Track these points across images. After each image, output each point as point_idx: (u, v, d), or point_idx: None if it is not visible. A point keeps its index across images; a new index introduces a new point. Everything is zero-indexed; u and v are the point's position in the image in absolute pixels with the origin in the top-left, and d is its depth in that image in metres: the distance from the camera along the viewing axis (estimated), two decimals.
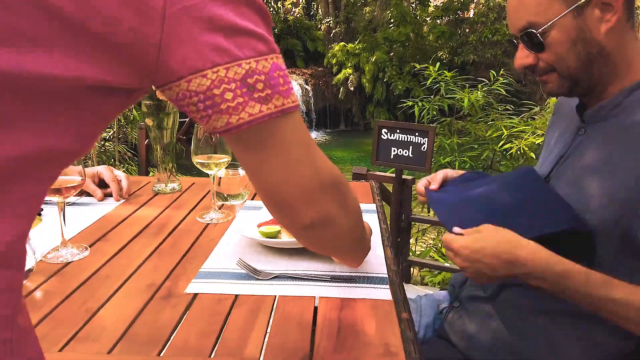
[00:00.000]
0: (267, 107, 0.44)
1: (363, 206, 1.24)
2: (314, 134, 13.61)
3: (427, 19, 14.47)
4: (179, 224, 1.13)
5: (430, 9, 14.94)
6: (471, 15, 14.72)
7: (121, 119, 3.10)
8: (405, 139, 3.18)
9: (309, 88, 13.99)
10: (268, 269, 0.88)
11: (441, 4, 14.72)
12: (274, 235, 0.97)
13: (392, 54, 13.62)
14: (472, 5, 14.94)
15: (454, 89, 4.38)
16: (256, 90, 0.43)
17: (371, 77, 13.67)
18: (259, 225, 1.03)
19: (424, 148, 3.15)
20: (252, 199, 1.32)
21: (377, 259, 0.93)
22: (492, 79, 4.45)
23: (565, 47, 0.84)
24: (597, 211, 0.82)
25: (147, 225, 1.12)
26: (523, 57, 0.89)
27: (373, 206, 1.25)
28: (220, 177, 1.18)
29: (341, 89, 13.83)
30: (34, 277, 0.84)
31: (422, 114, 4.17)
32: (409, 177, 2.99)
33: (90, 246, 0.99)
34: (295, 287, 0.82)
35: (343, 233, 0.57)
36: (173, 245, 1.01)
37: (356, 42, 14.18)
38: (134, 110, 3.35)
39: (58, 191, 0.91)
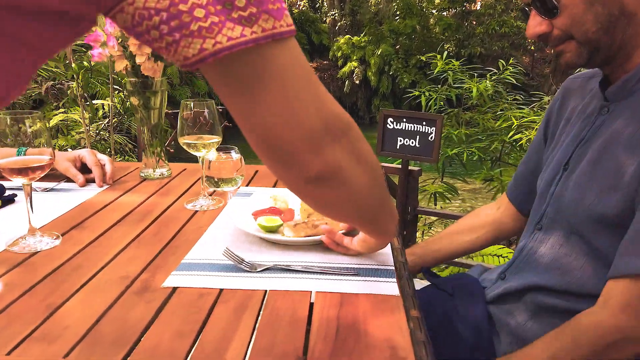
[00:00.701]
0: (251, 31, 0.34)
1: None
2: None
3: (434, 11, 14.28)
4: (165, 210, 1.03)
5: (437, 1, 14.75)
6: (478, 8, 14.52)
7: (119, 106, 3.01)
8: (412, 129, 3.07)
9: None
10: (258, 260, 0.78)
11: None
12: (275, 230, 0.86)
13: (398, 46, 13.46)
14: None
15: (462, 78, 4.25)
16: (235, 8, 0.33)
17: (377, 70, 13.52)
18: (255, 215, 0.92)
19: (431, 138, 3.03)
20: (247, 185, 1.22)
21: (383, 251, 0.82)
22: (501, 68, 4.32)
23: (581, 8, 0.73)
24: (626, 187, 0.72)
25: (130, 212, 1.02)
26: (536, 24, 0.78)
27: None
28: (211, 161, 1.07)
29: (346, 82, 13.68)
30: None
31: (430, 104, 4.05)
32: (416, 168, 2.89)
33: (62, 235, 0.89)
34: (288, 281, 0.71)
35: (359, 191, 0.47)
36: (155, 234, 0.91)
37: (362, 35, 14.03)
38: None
39: (23, 172, 0.81)
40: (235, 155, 1.15)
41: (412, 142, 3.07)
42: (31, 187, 0.84)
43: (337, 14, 15.34)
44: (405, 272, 0.76)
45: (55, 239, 0.87)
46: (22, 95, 3.37)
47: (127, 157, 3.86)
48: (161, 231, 0.92)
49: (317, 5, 17.57)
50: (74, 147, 2.95)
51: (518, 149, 3.82)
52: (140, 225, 0.95)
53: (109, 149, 2.85)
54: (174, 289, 0.70)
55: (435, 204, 3.67)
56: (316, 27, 15.36)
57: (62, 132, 3.91)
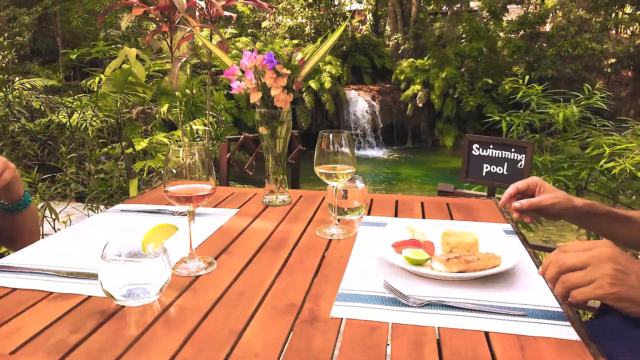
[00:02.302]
0: None
1: (497, 226, 1.11)
2: (380, 152, 13.43)
3: (501, 33, 13.97)
4: (299, 238, 1.06)
5: (504, 23, 14.44)
6: (547, 29, 14.06)
7: (213, 131, 3.15)
8: (500, 155, 2.99)
9: (375, 104, 13.89)
10: (411, 294, 0.78)
11: (516, 18, 14.19)
12: (422, 263, 0.86)
13: (463, 69, 13.25)
14: (549, 19, 14.28)
15: (545, 103, 4.11)
16: None
17: (441, 93, 13.34)
18: (396, 246, 0.93)
19: (520, 165, 2.93)
20: (368, 214, 1.23)
21: (539, 289, 0.80)
22: (586, 92, 4.13)
23: None
24: None
25: (267, 239, 1.06)
26: None
27: (508, 226, 1.12)
28: (339, 190, 1.09)
29: (409, 106, 13.60)
30: (167, 291, 0.79)
31: (512, 129, 3.93)
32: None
33: (215, 259, 0.94)
34: (458, 319, 0.70)
35: None
36: (301, 262, 0.93)
37: (425, 58, 13.94)
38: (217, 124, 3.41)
39: (189, 199, 0.86)
40: (360, 184, 1.17)
41: (500, 169, 2.98)
42: (193, 214, 0.89)
43: (400, 38, 15.39)
44: (574, 314, 0.73)
45: (211, 263, 0.91)
46: (113, 119, 3.61)
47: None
48: (304, 260, 0.95)
49: (380, 30, 17.72)
50: None
51: (609, 177, 3.61)
52: (282, 252, 0.98)
53: None
54: (342, 319, 0.72)
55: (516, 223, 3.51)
56: (379, 50, 15.46)
57: (150, 155, 4.14)
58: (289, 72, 1.15)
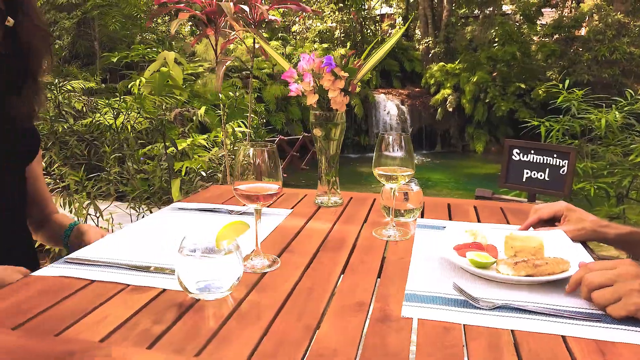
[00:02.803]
0: None
1: (559, 231, 1.09)
2: None
3: (535, 37, 13.70)
4: (357, 239, 1.07)
5: (538, 27, 14.15)
6: (583, 33, 13.72)
7: (253, 134, 3.20)
8: (541, 161, 2.94)
9: (405, 108, 13.81)
10: (484, 297, 0.78)
11: (551, 22, 13.90)
12: (488, 266, 0.86)
13: (495, 73, 13.05)
14: (585, 23, 13.93)
15: (586, 108, 4.01)
16: None
17: (471, 98, 13.16)
18: (458, 249, 0.93)
19: (562, 171, 2.88)
20: (421, 217, 1.23)
21: None
22: (629, 98, 4.02)
23: None
24: None
25: (325, 238, 1.07)
26: None
27: None
28: (396, 192, 1.10)
29: (439, 110, 13.46)
30: (236, 286, 0.81)
31: (551, 134, 3.85)
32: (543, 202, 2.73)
33: (278, 256, 0.96)
34: (532, 322, 0.70)
35: None
36: (362, 262, 0.94)
37: (456, 62, 13.78)
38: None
39: (257, 198, 0.88)
40: (415, 187, 1.17)
41: (541, 175, 2.93)
42: (260, 212, 0.91)
43: (430, 42, 15.27)
44: None
45: (275, 261, 0.93)
46: (156, 120, 3.69)
47: None
48: (365, 260, 0.96)
49: (409, 33, 17.62)
50: (207, 170, 3.17)
51: None
52: (342, 252, 0.99)
53: None
54: (413, 319, 0.72)
55: None
56: (409, 54, 15.37)
57: (187, 155, 4.23)
58: (346, 74, 1.16)
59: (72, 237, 1.15)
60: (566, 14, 15.38)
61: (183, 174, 3.37)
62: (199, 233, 0.79)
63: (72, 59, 10.94)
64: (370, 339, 0.67)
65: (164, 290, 0.80)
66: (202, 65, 9.71)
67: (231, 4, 2.12)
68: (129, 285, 0.82)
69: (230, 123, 3.74)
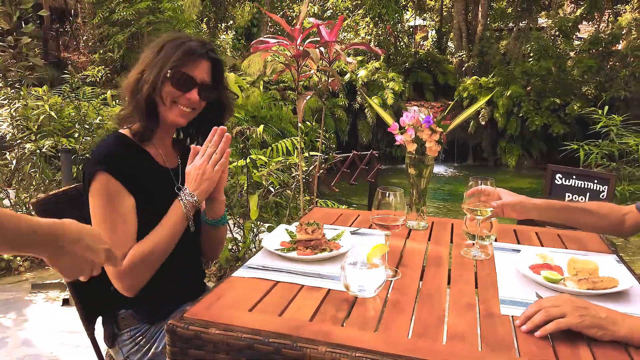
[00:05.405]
0: None
1: (609, 257, 1.41)
2: (440, 168, 13.52)
3: (571, 52, 13.72)
4: (450, 257, 1.41)
5: (574, 42, 14.16)
6: (620, 48, 13.68)
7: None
8: (582, 186, 3.21)
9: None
10: None
11: (588, 37, 13.90)
12: (557, 281, 1.18)
13: (529, 88, 13.14)
14: (623, 37, 13.89)
15: (623, 133, 4.24)
16: None
17: (505, 112, 13.26)
18: (533, 268, 1.26)
19: (602, 195, 3.14)
20: (496, 241, 1.56)
21: None
22: None
23: None
24: None
25: (425, 255, 1.42)
26: None
27: (614, 256, 1.42)
28: (478, 221, 1.44)
29: (471, 123, 13.62)
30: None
31: (590, 158, 4.10)
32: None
33: (396, 269, 1.31)
34: None
35: None
36: (460, 275, 1.29)
37: (490, 76, 13.91)
38: None
39: (386, 227, 1.24)
40: (493, 218, 1.51)
41: (582, 199, 3.20)
42: (389, 236, 1.27)
43: (464, 55, 15.47)
44: None
45: (397, 272, 1.28)
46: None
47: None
48: (462, 274, 1.30)
49: (443, 46, 17.82)
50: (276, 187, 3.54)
51: None
52: (442, 268, 1.34)
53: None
54: (511, 316, 1.06)
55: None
56: (442, 67, 15.58)
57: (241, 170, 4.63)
58: (441, 129, 1.51)
59: (207, 211, 1.46)
60: (603, 29, 15.33)
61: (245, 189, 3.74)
62: (356, 252, 1.15)
63: (122, 70, 11.57)
64: (484, 328, 1.02)
65: (329, 290, 1.16)
66: (245, 79, 10.17)
67: (317, 50, 2.50)
68: (303, 285, 1.18)
69: (306, 149, 4.02)
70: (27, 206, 3.24)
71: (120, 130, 1.40)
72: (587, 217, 1.43)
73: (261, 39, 2.59)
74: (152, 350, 1.35)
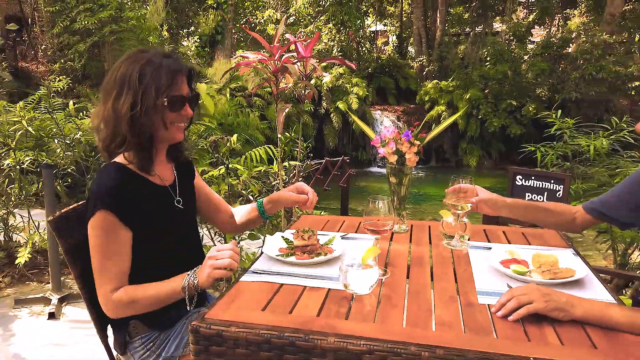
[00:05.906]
0: None
1: (567, 251, 1.61)
2: None
3: (525, 56, 14.38)
4: (431, 257, 1.59)
5: (528, 46, 14.84)
6: (570, 51, 14.43)
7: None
8: (540, 186, 3.48)
9: (400, 125, 14.35)
10: None
11: (541, 41, 14.59)
12: (525, 274, 1.37)
13: (487, 91, 13.69)
14: (572, 41, 14.65)
15: (575, 135, 4.57)
16: None
17: (464, 114, 13.76)
18: (503, 263, 1.44)
19: (559, 195, 3.42)
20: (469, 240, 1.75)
21: (602, 290, 1.30)
22: (614, 125, 4.58)
23: None
24: None
25: (409, 255, 1.59)
26: None
27: (571, 250, 1.62)
28: (451, 223, 1.62)
29: (433, 126, 14.05)
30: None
31: (547, 159, 4.40)
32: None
33: (385, 268, 1.47)
34: None
35: None
36: (442, 272, 1.46)
37: (449, 80, 14.41)
38: None
39: (376, 231, 1.40)
40: (466, 220, 1.70)
41: (540, 198, 3.47)
42: (379, 240, 1.42)
43: (424, 60, 15.95)
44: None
45: (386, 271, 1.44)
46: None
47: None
48: (444, 271, 1.47)
49: (404, 52, 18.30)
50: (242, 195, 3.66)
51: None
52: (425, 266, 1.50)
53: None
54: (487, 305, 1.23)
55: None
56: (403, 72, 16.00)
57: (222, 179, 4.72)
58: (418, 142, 1.69)
59: (267, 208, 1.68)
60: (554, 33, 16.13)
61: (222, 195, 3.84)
62: (351, 255, 1.30)
63: (83, 79, 11.32)
64: (465, 315, 1.18)
65: (330, 289, 1.31)
66: (211, 86, 10.19)
67: (295, 66, 2.64)
68: (306, 286, 1.32)
69: (285, 159, 4.12)
70: (6, 222, 3.23)
71: (116, 160, 1.42)
72: (548, 216, 1.64)
73: (242, 54, 2.72)
74: (163, 355, 1.46)
